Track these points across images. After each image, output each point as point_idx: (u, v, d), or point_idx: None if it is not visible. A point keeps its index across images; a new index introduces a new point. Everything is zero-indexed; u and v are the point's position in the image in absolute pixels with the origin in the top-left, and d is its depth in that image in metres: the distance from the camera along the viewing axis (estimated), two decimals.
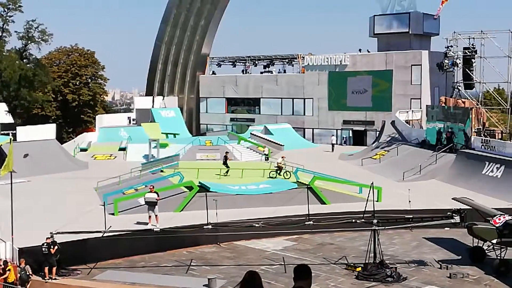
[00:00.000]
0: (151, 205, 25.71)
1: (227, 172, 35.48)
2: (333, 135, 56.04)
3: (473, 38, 43.27)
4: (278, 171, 34.04)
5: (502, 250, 21.35)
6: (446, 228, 25.81)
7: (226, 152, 39.04)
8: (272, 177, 33.51)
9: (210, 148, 48.73)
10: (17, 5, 65.60)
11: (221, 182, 32.20)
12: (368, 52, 57.83)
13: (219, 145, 49.25)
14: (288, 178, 32.60)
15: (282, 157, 36.39)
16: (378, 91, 55.43)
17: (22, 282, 20.69)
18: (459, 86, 44.41)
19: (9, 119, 42.98)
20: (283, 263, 22.24)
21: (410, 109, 51.44)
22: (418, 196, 29.68)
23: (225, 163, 36.09)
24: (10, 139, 26.56)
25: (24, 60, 69.03)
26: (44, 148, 42.17)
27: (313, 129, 59.67)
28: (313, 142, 58.17)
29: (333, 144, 54.08)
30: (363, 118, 56.40)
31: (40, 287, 20.78)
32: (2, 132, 40.46)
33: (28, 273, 20.79)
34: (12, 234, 21.60)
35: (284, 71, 65.69)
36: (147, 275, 21.42)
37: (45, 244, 20.78)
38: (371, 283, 20.16)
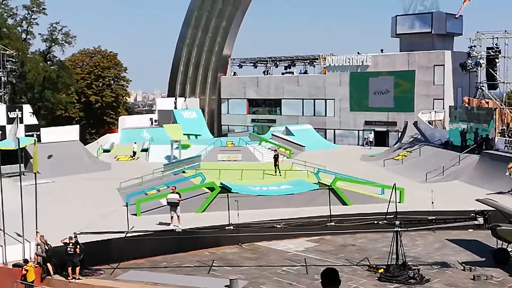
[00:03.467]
0: (173, 205, 25.85)
1: (279, 172, 35.75)
2: (370, 133, 56.26)
3: (497, 37, 42.82)
4: None
5: None
6: (469, 230, 25.51)
7: (275, 151, 39.44)
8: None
9: (232, 149, 48.84)
10: (41, 8, 66.44)
11: (243, 183, 32.22)
12: (382, 51, 57.71)
13: (240, 146, 49.36)
14: None
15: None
16: (400, 92, 55.10)
17: (48, 258, 21.14)
18: (483, 86, 43.95)
19: (33, 120, 43.44)
20: (304, 264, 22.22)
21: (433, 109, 51.04)
22: (441, 197, 29.42)
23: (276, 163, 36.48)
24: (35, 140, 26.85)
25: (48, 62, 69.86)
26: (68, 149, 42.61)
27: (334, 130, 59.50)
28: (334, 143, 58.02)
29: (370, 142, 55.11)
30: (385, 118, 56.10)
31: (63, 287, 21.01)
32: (26, 133, 40.93)
33: (48, 248, 21.23)
34: (36, 235, 21.88)
35: (306, 72, 65.61)
36: (169, 276, 21.53)
37: (70, 244, 20.99)
38: (393, 285, 20.05)
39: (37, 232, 21.59)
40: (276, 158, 36.86)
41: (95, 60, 79.52)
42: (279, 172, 35.84)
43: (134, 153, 49.97)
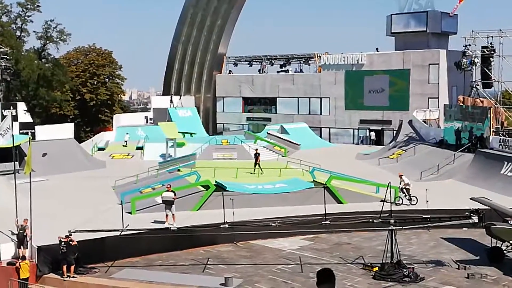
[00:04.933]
0: (168, 204, 25.84)
1: (259, 171, 35.82)
2: (372, 131, 56.58)
3: (492, 36, 42.90)
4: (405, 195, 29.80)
5: None
6: (464, 228, 25.61)
7: (256, 150, 39.53)
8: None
9: (227, 148, 48.83)
10: (35, 5, 66.17)
11: (238, 182, 32.24)
12: (378, 50, 57.89)
13: (235, 144, 49.34)
14: (415, 204, 29.04)
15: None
16: (395, 91, 55.20)
17: (19, 242, 21.69)
18: (477, 85, 44.04)
19: (28, 118, 43.31)
20: (299, 263, 22.23)
21: (428, 108, 51.14)
22: (436, 196, 29.47)
23: (256, 163, 36.55)
24: (29, 138, 26.76)
25: (43, 60, 69.63)
26: (63, 147, 42.50)
27: (329, 128, 59.57)
28: (329, 141, 58.09)
29: (372, 139, 55.72)
30: (380, 117, 56.19)
31: (58, 285, 20.97)
32: (21, 131, 40.80)
33: (25, 234, 21.59)
34: (30, 233, 21.86)
35: (301, 71, 65.64)
36: (164, 274, 21.51)
37: (63, 242, 20.97)
38: (388, 283, 20.08)
39: (25, 219, 21.91)
40: (256, 157, 37.06)
41: (90, 58, 79.31)
42: (260, 170, 35.87)
43: (126, 142, 51.19)
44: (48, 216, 26.02)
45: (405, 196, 29.52)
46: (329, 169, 34.37)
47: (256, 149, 40.79)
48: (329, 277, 6.07)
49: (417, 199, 29.35)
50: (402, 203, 28.93)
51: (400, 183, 29.78)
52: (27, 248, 21.77)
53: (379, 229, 23.70)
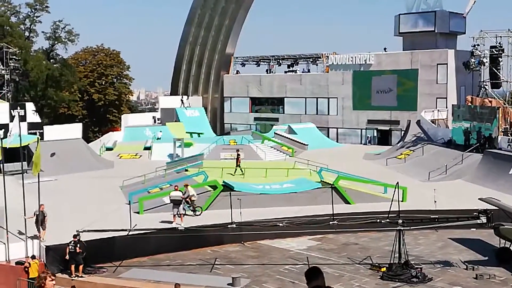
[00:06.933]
0: (176, 203, 25.89)
1: (241, 170, 35.60)
2: (378, 132, 56.78)
3: (500, 36, 42.83)
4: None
5: None
6: (472, 229, 25.54)
7: (237, 150, 39.33)
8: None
9: (234, 148, 48.81)
10: (44, 6, 66.46)
11: (245, 182, 32.22)
12: (386, 50, 57.76)
13: (243, 144, 49.34)
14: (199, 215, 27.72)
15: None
16: (403, 91, 55.05)
17: (39, 222, 22.62)
18: (486, 85, 43.93)
19: (36, 118, 43.47)
20: (307, 263, 22.21)
21: (436, 108, 50.99)
22: (444, 196, 29.40)
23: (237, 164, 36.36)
24: (38, 138, 26.82)
25: (51, 60, 69.91)
26: (71, 147, 42.63)
27: (337, 128, 59.49)
28: (337, 141, 58.01)
29: (379, 138, 56.22)
30: (388, 117, 56.06)
31: (66, 284, 21.04)
32: (29, 131, 40.95)
33: (45, 215, 22.68)
34: (39, 232, 21.97)
35: (308, 71, 65.59)
36: (172, 274, 21.54)
37: (72, 242, 21.05)
38: (396, 284, 20.04)
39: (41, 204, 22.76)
40: (237, 158, 37.01)
41: (98, 58, 79.54)
42: (241, 171, 35.69)
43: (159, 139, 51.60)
44: (56, 216, 26.06)
45: (190, 206, 27.75)
46: (337, 169, 34.33)
47: (238, 150, 40.44)
48: (315, 274, 6.21)
49: (201, 209, 27.87)
50: (185, 214, 26.99)
51: (185, 193, 27.36)
52: (45, 230, 22.64)
53: (386, 230, 23.68)
